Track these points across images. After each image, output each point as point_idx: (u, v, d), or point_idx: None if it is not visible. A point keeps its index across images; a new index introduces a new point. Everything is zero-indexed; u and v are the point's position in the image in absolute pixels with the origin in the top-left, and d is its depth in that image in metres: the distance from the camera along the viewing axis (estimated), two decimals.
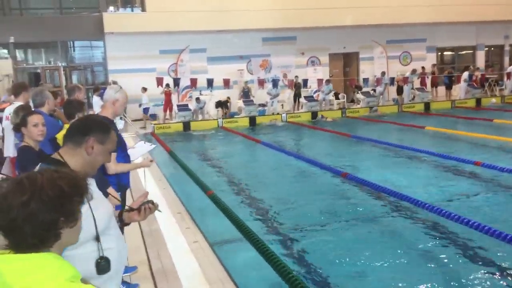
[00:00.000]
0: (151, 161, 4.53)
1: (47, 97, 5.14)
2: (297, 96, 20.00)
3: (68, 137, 2.14)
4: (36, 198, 1.33)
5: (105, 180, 3.19)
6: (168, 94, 18.58)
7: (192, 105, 18.63)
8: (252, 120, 18.08)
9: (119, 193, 3.92)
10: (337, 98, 21.11)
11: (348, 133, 13.89)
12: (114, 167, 3.96)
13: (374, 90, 20.93)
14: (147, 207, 2.32)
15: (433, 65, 23.16)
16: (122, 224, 2.34)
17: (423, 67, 22.80)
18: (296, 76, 20.47)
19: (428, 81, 22.56)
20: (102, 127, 2.18)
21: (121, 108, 4.22)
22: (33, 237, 1.33)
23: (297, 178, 9.49)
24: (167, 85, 18.40)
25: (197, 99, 18.37)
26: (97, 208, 1.89)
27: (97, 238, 1.90)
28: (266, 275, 4.55)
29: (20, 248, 1.32)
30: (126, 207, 2.37)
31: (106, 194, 2.86)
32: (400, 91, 21.02)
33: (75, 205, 1.42)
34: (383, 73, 21.27)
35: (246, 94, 19.64)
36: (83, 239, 1.78)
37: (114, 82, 15.87)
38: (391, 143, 11.72)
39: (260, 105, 19.42)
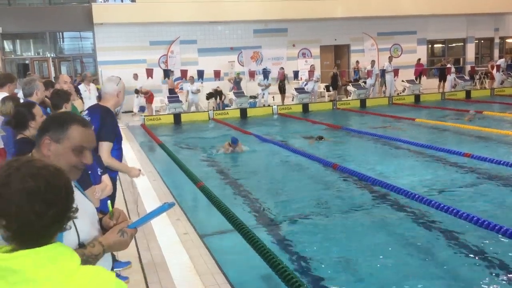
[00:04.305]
0: (139, 170, 4.43)
1: (36, 87, 5.08)
2: (281, 88, 19.67)
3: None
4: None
5: (88, 180, 2.92)
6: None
7: (186, 88, 18.32)
8: (243, 112, 18.04)
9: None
10: (328, 90, 21.09)
11: (338, 125, 13.90)
12: (108, 159, 3.90)
13: (365, 82, 20.95)
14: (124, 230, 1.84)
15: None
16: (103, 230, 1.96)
17: (419, 59, 22.71)
18: (282, 68, 20.11)
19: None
20: (58, 122, 1.82)
21: (123, 98, 4.28)
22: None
23: (288, 170, 9.50)
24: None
25: (191, 78, 17.87)
26: (82, 218, 1.65)
27: (81, 245, 1.72)
28: (256, 266, 4.55)
29: (26, 243, 1.32)
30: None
31: (87, 186, 2.76)
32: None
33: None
34: (372, 62, 21.23)
35: (238, 84, 19.54)
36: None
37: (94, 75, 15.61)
38: (382, 135, 11.76)
39: (251, 97, 19.36)
